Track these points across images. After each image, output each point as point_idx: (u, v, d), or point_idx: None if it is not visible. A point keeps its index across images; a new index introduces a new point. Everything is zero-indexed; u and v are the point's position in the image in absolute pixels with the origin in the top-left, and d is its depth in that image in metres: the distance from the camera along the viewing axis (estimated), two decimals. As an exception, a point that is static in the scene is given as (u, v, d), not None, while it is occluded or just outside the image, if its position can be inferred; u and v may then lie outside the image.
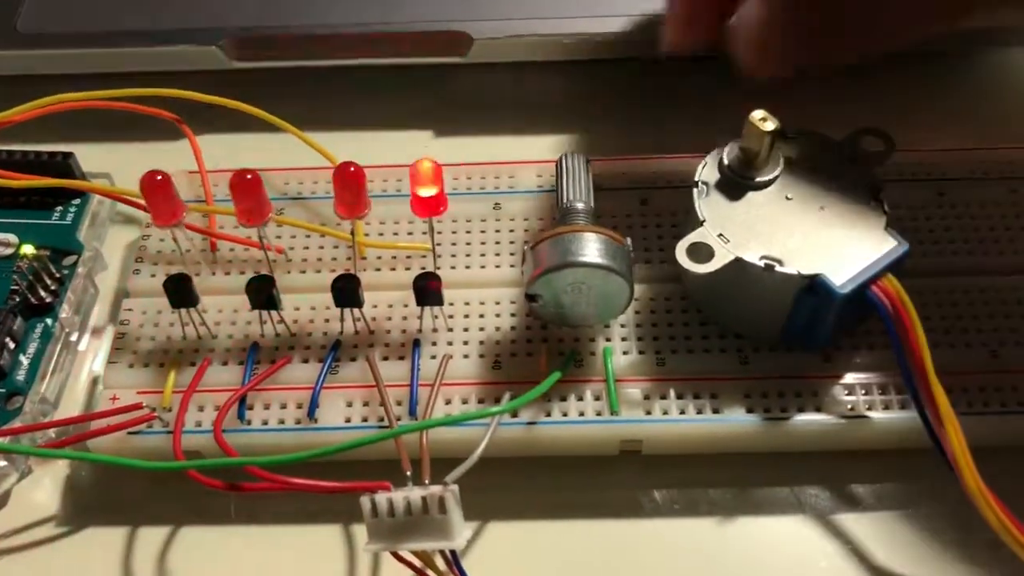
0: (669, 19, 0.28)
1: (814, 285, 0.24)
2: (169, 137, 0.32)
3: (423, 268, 0.28)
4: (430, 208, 0.25)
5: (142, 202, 0.27)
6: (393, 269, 0.28)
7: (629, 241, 0.25)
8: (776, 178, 0.25)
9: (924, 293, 0.27)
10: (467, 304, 0.27)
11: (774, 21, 0.26)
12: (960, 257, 0.28)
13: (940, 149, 0.29)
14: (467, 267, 0.28)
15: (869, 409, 0.25)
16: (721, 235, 0.24)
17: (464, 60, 0.32)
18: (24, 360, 0.27)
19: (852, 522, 0.25)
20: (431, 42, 0.32)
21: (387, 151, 0.33)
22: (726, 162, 0.25)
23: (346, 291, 0.26)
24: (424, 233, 0.29)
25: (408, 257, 0.28)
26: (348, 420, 0.25)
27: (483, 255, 0.28)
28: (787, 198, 0.25)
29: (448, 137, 0.33)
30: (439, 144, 0.33)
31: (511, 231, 0.29)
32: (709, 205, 0.25)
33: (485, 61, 0.32)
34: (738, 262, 0.24)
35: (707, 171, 0.26)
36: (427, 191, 0.24)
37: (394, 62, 0.33)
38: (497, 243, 0.29)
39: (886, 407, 0.25)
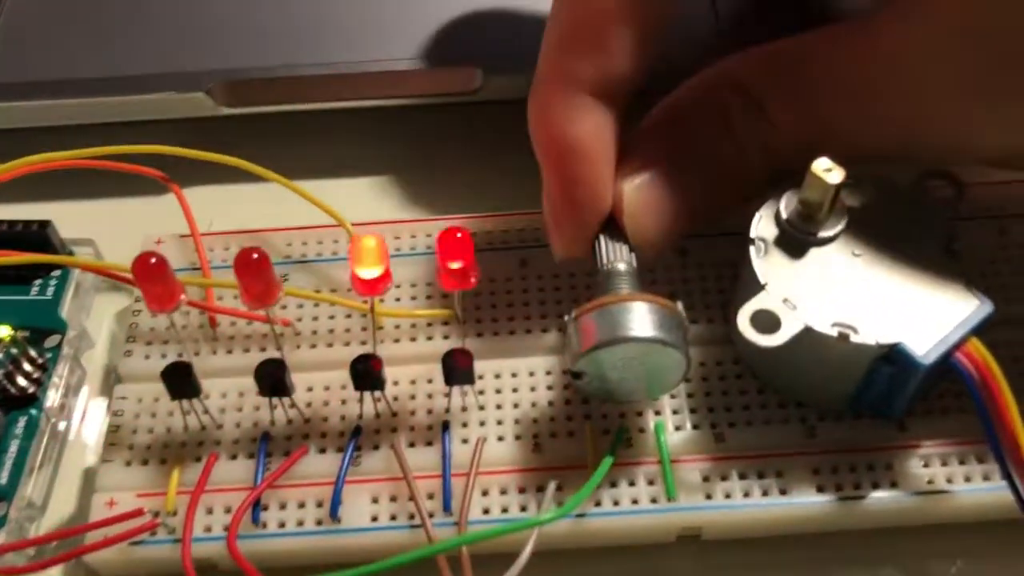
0: (554, 236, 0.24)
1: (893, 354, 0.21)
2: (155, 192, 0.29)
3: (446, 336, 0.26)
4: (461, 281, 0.22)
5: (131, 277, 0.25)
6: (414, 339, 0.26)
7: (681, 307, 0.22)
8: (841, 232, 0.23)
9: (993, 346, 0.24)
10: (498, 377, 0.25)
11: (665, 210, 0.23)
12: (1032, 303, 0.25)
13: (1000, 182, 0.27)
14: (495, 333, 0.26)
15: (949, 482, 0.23)
16: (786, 300, 0.22)
17: (474, 98, 0.30)
18: (7, 460, 0.24)
19: (934, 603, 0.23)
20: (438, 79, 0.29)
21: (395, 200, 0.30)
22: (784, 216, 0.23)
23: (367, 374, 0.23)
24: (444, 296, 0.26)
25: (429, 325, 0.26)
26: (375, 519, 0.23)
27: (511, 319, 0.26)
28: (854, 254, 0.23)
29: (460, 182, 0.30)
30: (449, 190, 0.30)
31: (540, 290, 0.26)
32: (768, 265, 0.23)
33: (497, 98, 0.30)
34: (808, 331, 0.22)
35: (763, 225, 0.23)
36: (457, 264, 0.22)
37: (400, 103, 0.30)
38: (526, 304, 0.26)
39: (968, 479, 0.23)
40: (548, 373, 0.25)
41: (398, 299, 0.26)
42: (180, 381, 0.23)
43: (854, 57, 0.23)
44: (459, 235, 0.21)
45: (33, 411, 0.25)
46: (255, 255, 0.21)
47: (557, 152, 0.23)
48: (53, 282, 0.27)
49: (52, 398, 0.25)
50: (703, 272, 0.26)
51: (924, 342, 0.21)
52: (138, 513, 0.23)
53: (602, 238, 0.24)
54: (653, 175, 0.23)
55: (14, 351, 0.25)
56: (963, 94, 0.22)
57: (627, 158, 0.24)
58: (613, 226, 0.24)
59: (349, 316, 0.26)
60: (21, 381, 0.25)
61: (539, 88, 0.23)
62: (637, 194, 0.23)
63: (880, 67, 0.22)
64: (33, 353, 0.25)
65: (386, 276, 0.22)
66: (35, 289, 0.27)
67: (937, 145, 0.23)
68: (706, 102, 0.24)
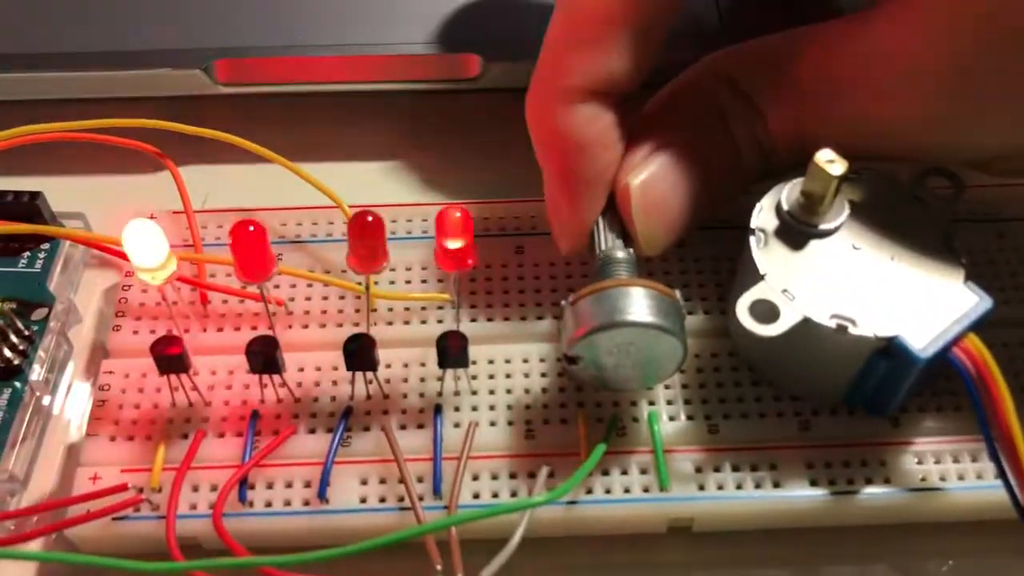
0: (557, 233, 0.24)
1: (891, 348, 0.21)
2: (149, 169, 0.29)
3: (440, 320, 0.25)
4: (458, 262, 0.22)
5: (123, 249, 0.24)
6: (407, 323, 0.25)
7: (679, 294, 0.22)
8: (841, 225, 0.23)
9: (991, 347, 0.24)
10: (491, 362, 0.24)
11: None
12: (1028, 305, 0.25)
13: (999, 184, 0.27)
14: (490, 319, 0.25)
15: (943, 479, 0.23)
16: (785, 291, 0.22)
17: (474, 85, 0.29)
18: (-11, 432, 0.24)
19: (924, 602, 0.23)
20: (439, 65, 0.29)
21: (392, 185, 0.30)
22: (785, 207, 0.23)
23: (359, 354, 0.23)
24: (440, 280, 0.26)
25: (423, 308, 0.25)
26: (363, 500, 0.23)
27: (507, 306, 0.25)
28: (854, 247, 0.23)
29: (457, 169, 0.30)
30: (447, 177, 0.30)
31: (536, 278, 0.26)
32: (768, 256, 0.23)
33: (497, 86, 0.29)
34: (806, 322, 0.21)
35: (763, 216, 0.23)
36: (455, 243, 0.22)
37: (399, 87, 0.29)
38: (521, 292, 0.26)
39: (961, 477, 0.23)
40: (542, 360, 0.25)
41: (392, 282, 0.26)
42: (170, 357, 0.22)
43: (842, 56, 0.23)
44: (459, 214, 0.21)
45: (17, 383, 0.24)
46: (251, 227, 0.21)
47: (553, 150, 0.23)
48: (42, 255, 0.27)
49: (37, 371, 0.25)
50: (700, 265, 0.26)
51: (922, 336, 0.21)
52: (122, 488, 0.22)
53: (600, 224, 0.24)
54: (655, 173, 0.23)
55: (1, 321, 0.24)
56: (951, 95, 0.22)
57: (627, 156, 0.24)
58: (612, 212, 0.24)
59: (343, 298, 0.26)
60: (6, 352, 0.24)
61: (536, 86, 0.23)
62: (641, 193, 0.23)
63: (868, 67, 0.22)
64: (19, 325, 0.25)
65: (383, 254, 0.22)
66: (23, 261, 0.26)
67: (923, 145, 0.23)
68: (700, 97, 0.24)
